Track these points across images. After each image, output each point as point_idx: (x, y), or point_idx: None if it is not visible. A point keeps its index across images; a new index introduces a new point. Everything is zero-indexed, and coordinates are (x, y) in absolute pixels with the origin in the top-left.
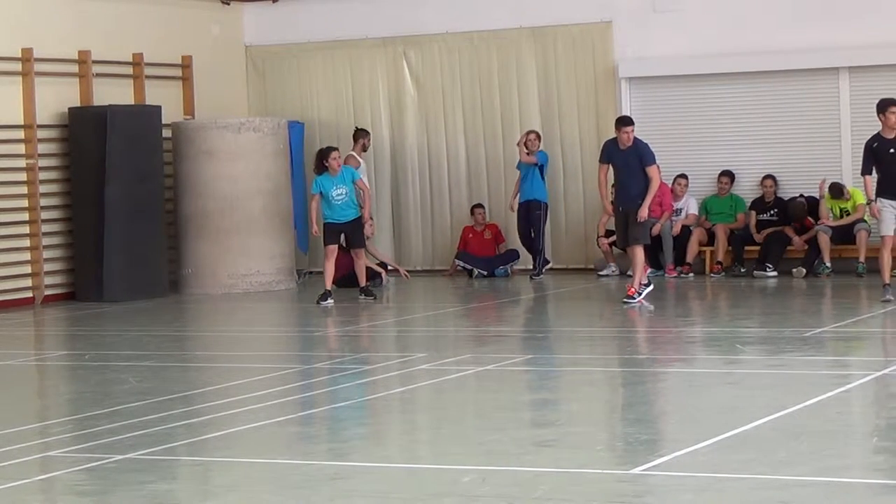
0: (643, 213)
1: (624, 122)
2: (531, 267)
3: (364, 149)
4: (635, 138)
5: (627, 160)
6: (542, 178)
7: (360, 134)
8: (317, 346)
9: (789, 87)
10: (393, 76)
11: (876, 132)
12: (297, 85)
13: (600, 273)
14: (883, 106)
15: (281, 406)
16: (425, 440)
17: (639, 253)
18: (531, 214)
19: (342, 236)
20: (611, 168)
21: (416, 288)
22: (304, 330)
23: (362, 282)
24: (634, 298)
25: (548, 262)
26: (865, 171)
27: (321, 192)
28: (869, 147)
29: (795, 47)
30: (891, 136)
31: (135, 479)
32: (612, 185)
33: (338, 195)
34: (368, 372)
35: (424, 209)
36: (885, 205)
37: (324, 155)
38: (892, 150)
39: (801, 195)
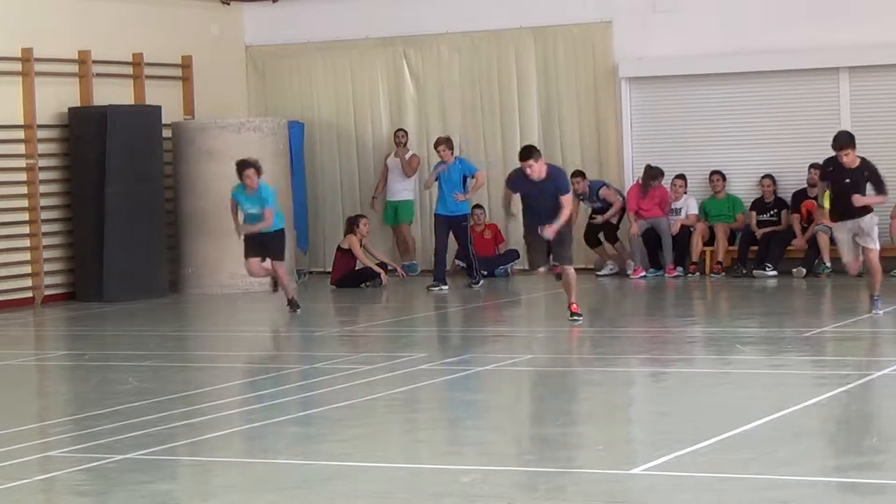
0: (549, 231)
1: (524, 155)
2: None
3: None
4: (549, 167)
5: (542, 192)
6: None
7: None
8: (316, 346)
9: (789, 87)
10: (393, 76)
11: (833, 156)
12: (297, 85)
13: (599, 273)
14: (836, 146)
15: (281, 406)
16: (425, 440)
17: (572, 272)
18: (458, 228)
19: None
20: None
21: (415, 288)
22: (304, 330)
23: (288, 293)
24: (580, 315)
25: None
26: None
27: (237, 201)
28: (824, 170)
29: (795, 47)
30: (853, 166)
31: (135, 479)
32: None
33: (250, 211)
34: (368, 372)
35: (423, 209)
36: (839, 227)
37: (238, 169)
38: (847, 181)
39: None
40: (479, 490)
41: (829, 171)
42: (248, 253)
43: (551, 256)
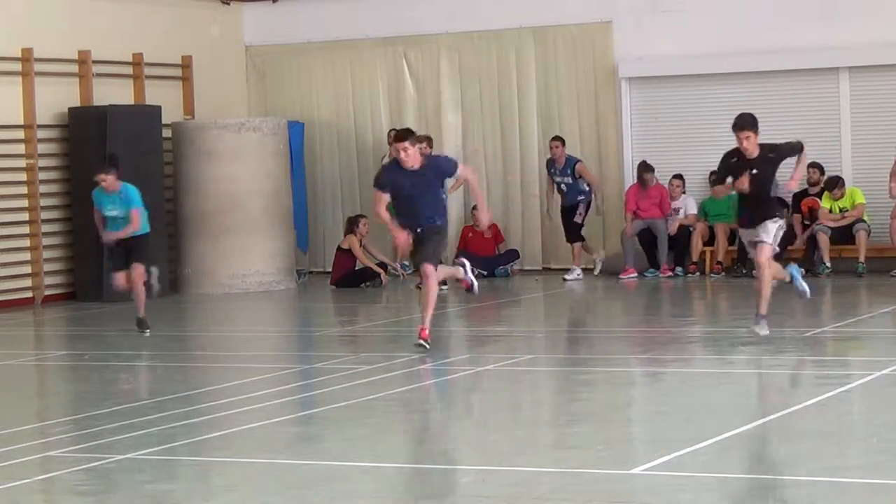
0: (484, 218)
1: (399, 136)
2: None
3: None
4: (427, 156)
5: (416, 182)
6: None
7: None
8: (316, 346)
9: (789, 87)
10: (393, 76)
11: (735, 147)
12: (297, 85)
13: (566, 278)
14: (738, 126)
15: (281, 406)
16: (425, 440)
17: (433, 282)
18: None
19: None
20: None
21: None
22: (303, 330)
23: (140, 310)
24: (428, 344)
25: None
26: (719, 181)
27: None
28: (726, 161)
29: (795, 47)
30: (755, 154)
31: (135, 479)
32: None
33: (111, 213)
34: (368, 372)
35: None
36: (748, 235)
37: (94, 172)
38: (754, 173)
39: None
40: (478, 490)
41: (734, 163)
42: (114, 265)
43: (420, 256)
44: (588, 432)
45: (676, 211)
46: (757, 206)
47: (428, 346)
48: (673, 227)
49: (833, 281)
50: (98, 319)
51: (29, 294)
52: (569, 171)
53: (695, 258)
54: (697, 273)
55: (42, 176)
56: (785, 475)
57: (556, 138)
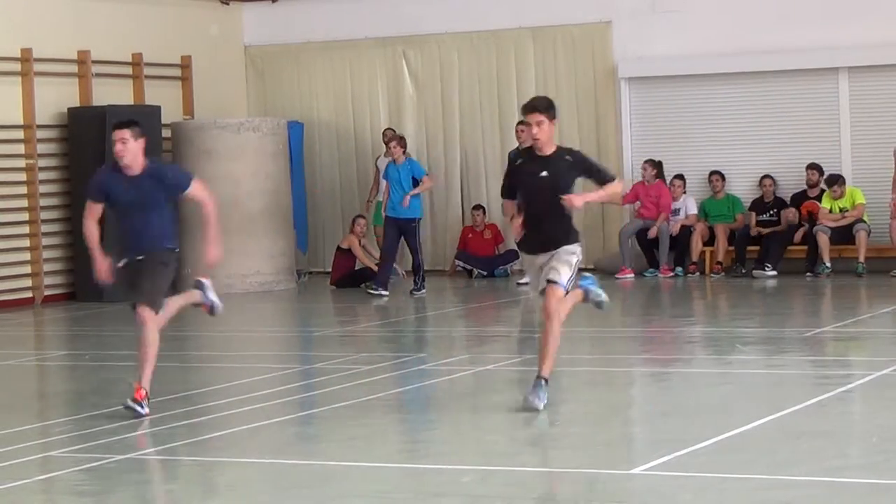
0: (213, 255)
1: (118, 125)
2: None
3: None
4: (150, 162)
5: (137, 194)
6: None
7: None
8: (316, 347)
9: (789, 87)
10: (392, 76)
11: (517, 147)
12: (296, 85)
13: (519, 282)
14: (527, 108)
15: (281, 406)
16: (424, 440)
17: (149, 332)
18: (405, 231)
19: None
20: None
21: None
22: (303, 330)
23: None
24: (142, 407)
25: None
26: (507, 194)
27: None
28: (511, 165)
29: (795, 47)
30: (548, 151)
31: (135, 479)
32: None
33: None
34: (368, 372)
35: (424, 209)
36: (530, 263)
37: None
38: (543, 175)
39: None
40: (478, 490)
41: (518, 166)
42: None
43: (136, 294)
44: (587, 432)
45: (676, 211)
46: (546, 223)
47: (143, 410)
48: (675, 228)
49: (833, 281)
50: (98, 319)
51: (29, 294)
52: None
53: (695, 258)
54: (697, 273)
55: (42, 176)
56: (785, 475)
57: (522, 123)
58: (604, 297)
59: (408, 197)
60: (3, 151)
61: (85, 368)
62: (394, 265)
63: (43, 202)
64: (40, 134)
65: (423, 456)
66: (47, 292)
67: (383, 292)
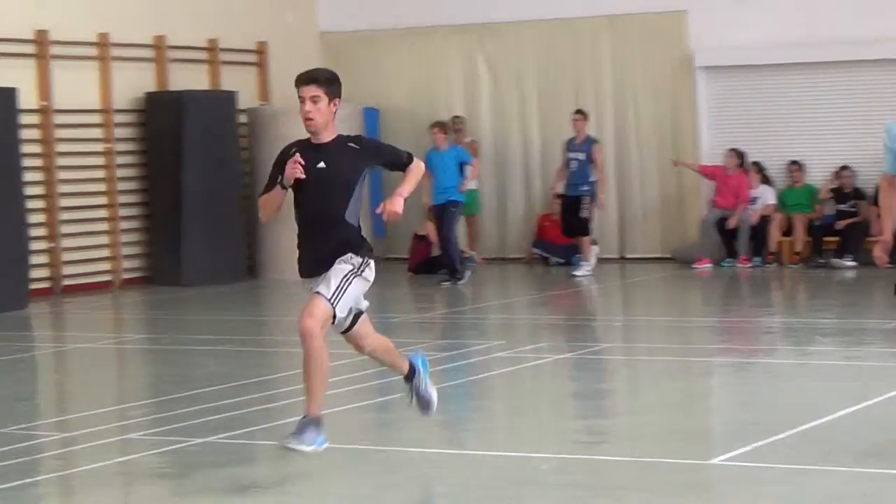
0: None
1: None
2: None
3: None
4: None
5: None
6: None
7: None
8: (394, 333)
9: (868, 77)
10: (467, 64)
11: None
12: (371, 71)
13: (575, 273)
14: (300, 80)
15: (359, 392)
16: (503, 428)
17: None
18: (442, 215)
19: None
20: None
21: (492, 275)
22: (381, 316)
23: None
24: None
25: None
26: (265, 189)
27: None
28: (283, 156)
29: (873, 36)
30: (326, 138)
31: (213, 463)
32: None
33: None
34: (446, 359)
35: (500, 197)
36: (306, 285)
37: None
38: (321, 166)
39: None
40: (557, 478)
41: (291, 157)
42: None
43: None
44: (665, 422)
45: (753, 200)
46: (325, 230)
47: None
48: (754, 218)
49: None
50: (176, 303)
51: (107, 278)
52: (585, 149)
53: (772, 248)
54: (775, 263)
55: (119, 160)
56: (866, 468)
57: (580, 112)
58: (431, 402)
59: (467, 181)
60: (81, 136)
61: (163, 352)
62: (463, 251)
63: (120, 186)
64: (117, 118)
65: (502, 443)
66: (125, 276)
67: (459, 278)
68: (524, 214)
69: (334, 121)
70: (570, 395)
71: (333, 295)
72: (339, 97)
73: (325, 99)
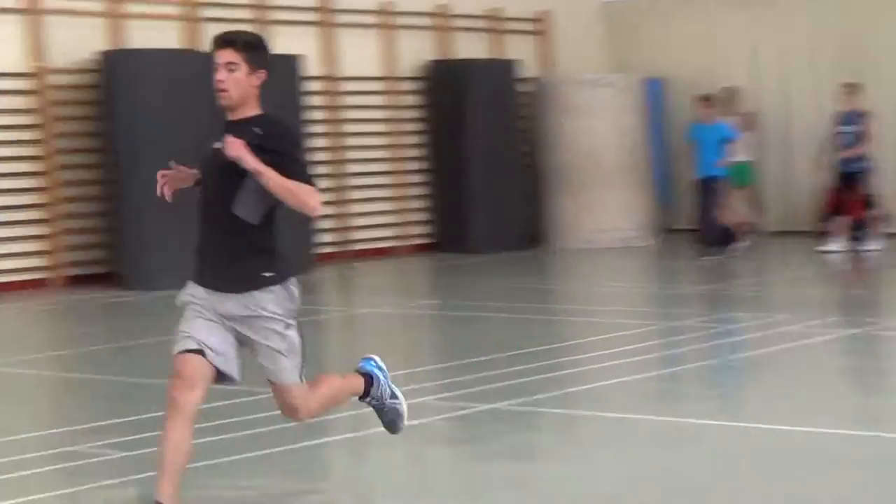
0: None
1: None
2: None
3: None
4: None
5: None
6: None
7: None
8: (678, 304)
9: None
10: (753, 32)
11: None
12: (654, 41)
13: (819, 248)
14: (216, 42)
15: (643, 363)
16: (787, 401)
17: None
18: (705, 190)
19: None
20: None
21: (777, 249)
22: (664, 287)
23: None
24: None
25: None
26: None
27: None
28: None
29: None
30: (240, 114)
31: (497, 430)
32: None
33: None
34: (729, 332)
35: (787, 168)
36: (189, 299)
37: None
38: (217, 146)
39: None
40: (846, 455)
41: (214, 152)
42: None
43: None
44: None
45: None
46: (217, 230)
47: None
48: None
49: None
50: (461, 270)
51: (393, 244)
52: (857, 121)
53: None
54: None
55: (401, 128)
56: None
57: (847, 84)
58: (400, 418)
59: (727, 158)
60: (363, 103)
61: (448, 318)
62: (740, 224)
63: (402, 154)
64: (399, 86)
65: (787, 417)
66: (410, 242)
67: (722, 254)
68: (807, 187)
69: (258, 96)
70: (849, 370)
71: (297, 370)
72: (265, 68)
73: (243, 67)
